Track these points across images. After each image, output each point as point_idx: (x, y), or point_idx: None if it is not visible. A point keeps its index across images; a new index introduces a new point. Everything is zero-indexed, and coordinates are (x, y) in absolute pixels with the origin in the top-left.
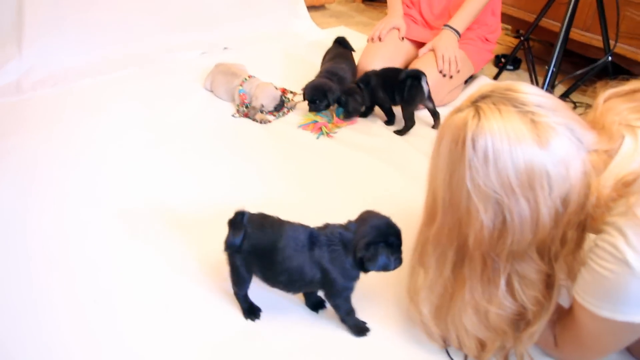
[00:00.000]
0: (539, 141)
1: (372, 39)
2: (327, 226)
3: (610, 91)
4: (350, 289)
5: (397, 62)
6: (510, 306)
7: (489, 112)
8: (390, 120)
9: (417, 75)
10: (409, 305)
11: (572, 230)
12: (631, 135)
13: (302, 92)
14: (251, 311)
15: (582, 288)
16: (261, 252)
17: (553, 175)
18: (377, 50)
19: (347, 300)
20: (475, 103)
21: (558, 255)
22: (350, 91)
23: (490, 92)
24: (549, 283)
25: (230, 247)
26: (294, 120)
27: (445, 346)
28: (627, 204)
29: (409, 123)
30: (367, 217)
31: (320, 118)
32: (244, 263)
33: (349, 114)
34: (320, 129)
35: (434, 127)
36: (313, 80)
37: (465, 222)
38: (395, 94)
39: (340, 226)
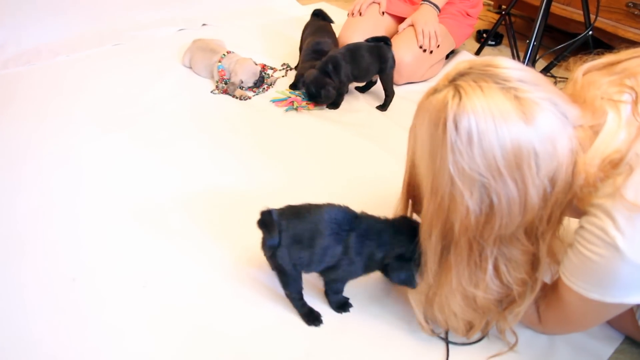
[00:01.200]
0: (525, 118)
1: (352, 14)
2: (363, 215)
3: (588, 64)
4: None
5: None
6: (497, 289)
7: (470, 91)
8: (336, 103)
9: (385, 40)
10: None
11: (560, 209)
12: (613, 110)
13: (300, 84)
14: (312, 317)
15: (570, 271)
16: (302, 239)
17: (540, 153)
18: (357, 25)
19: (345, 282)
20: (454, 82)
21: (545, 234)
22: (321, 82)
23: (469, 69)
24: (534, 263)
25: (271, 248)
26: (274, 96)
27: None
28: (614, 185)
29: (390, 93)
30: (407, 225)
31: (293, 96)
32: (287, 258)
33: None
34: (292, 103)
35: (380, 107)
36: (310, 75)
37: (449, 208)
38: (370, 66)
39: (378, 221)
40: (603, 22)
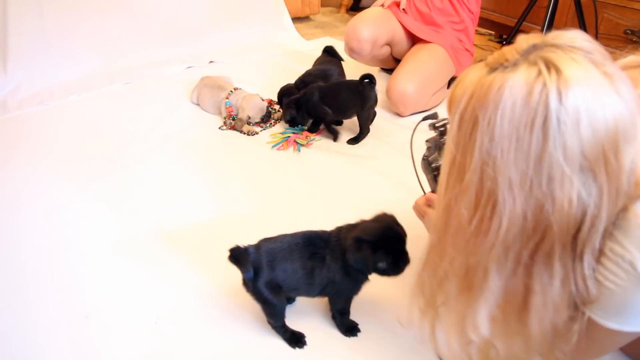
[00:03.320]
0: (618, 92)
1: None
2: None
3: (620, 62)
4: (353, 291)
5: (383, 28)
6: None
7: (566, 62)
8: (335, 136)
9: (370, 78)
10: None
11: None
12: None
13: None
14: (295, 339)
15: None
16: (283, 262)
17: (629, 129)
18: (366, 15)
19: (346, 301)
20: (535, 54)
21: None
22: (288, 104)
23: (547, 42)
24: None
25: (249, 281)
26: (281, 131)
27: None
28: None
29: (365, 130)
30: (375, 218)
31: (284, 135)
32: (269, 288)
33: (290, 123)
34: (296, 142)
35: (351, 140)
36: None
37: (551, 204)
38: (349, 103)
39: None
40: None
